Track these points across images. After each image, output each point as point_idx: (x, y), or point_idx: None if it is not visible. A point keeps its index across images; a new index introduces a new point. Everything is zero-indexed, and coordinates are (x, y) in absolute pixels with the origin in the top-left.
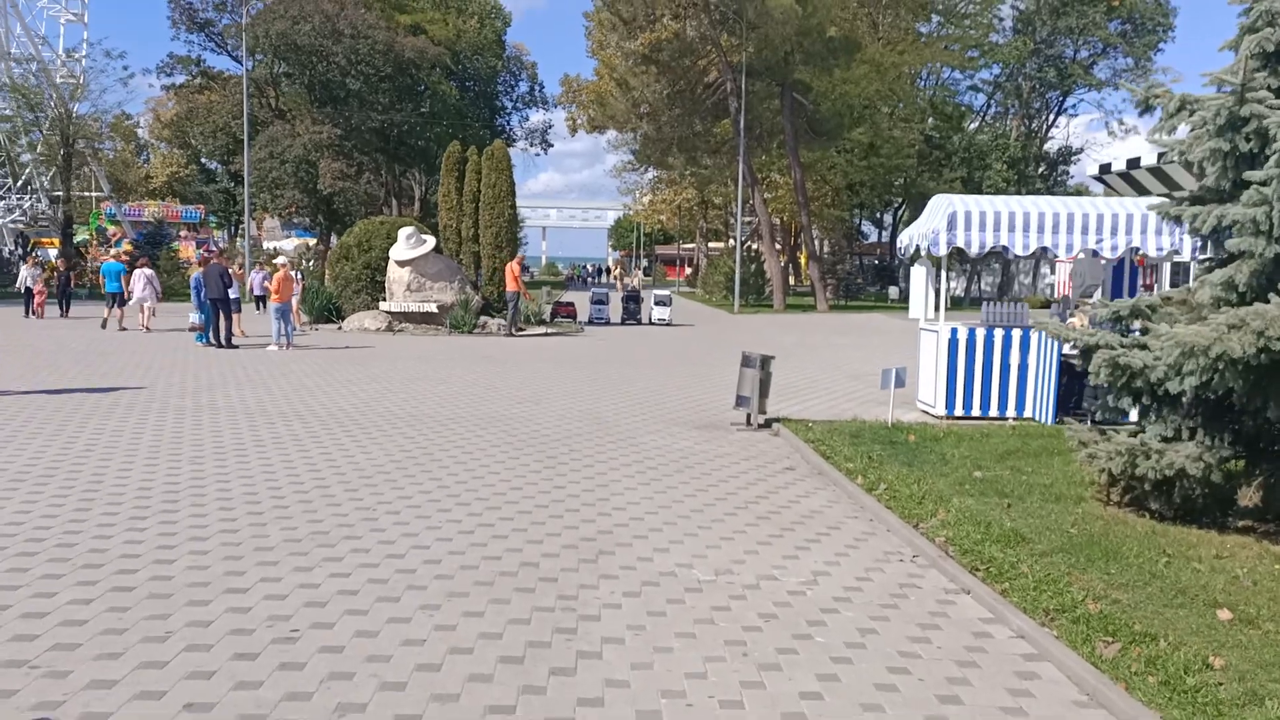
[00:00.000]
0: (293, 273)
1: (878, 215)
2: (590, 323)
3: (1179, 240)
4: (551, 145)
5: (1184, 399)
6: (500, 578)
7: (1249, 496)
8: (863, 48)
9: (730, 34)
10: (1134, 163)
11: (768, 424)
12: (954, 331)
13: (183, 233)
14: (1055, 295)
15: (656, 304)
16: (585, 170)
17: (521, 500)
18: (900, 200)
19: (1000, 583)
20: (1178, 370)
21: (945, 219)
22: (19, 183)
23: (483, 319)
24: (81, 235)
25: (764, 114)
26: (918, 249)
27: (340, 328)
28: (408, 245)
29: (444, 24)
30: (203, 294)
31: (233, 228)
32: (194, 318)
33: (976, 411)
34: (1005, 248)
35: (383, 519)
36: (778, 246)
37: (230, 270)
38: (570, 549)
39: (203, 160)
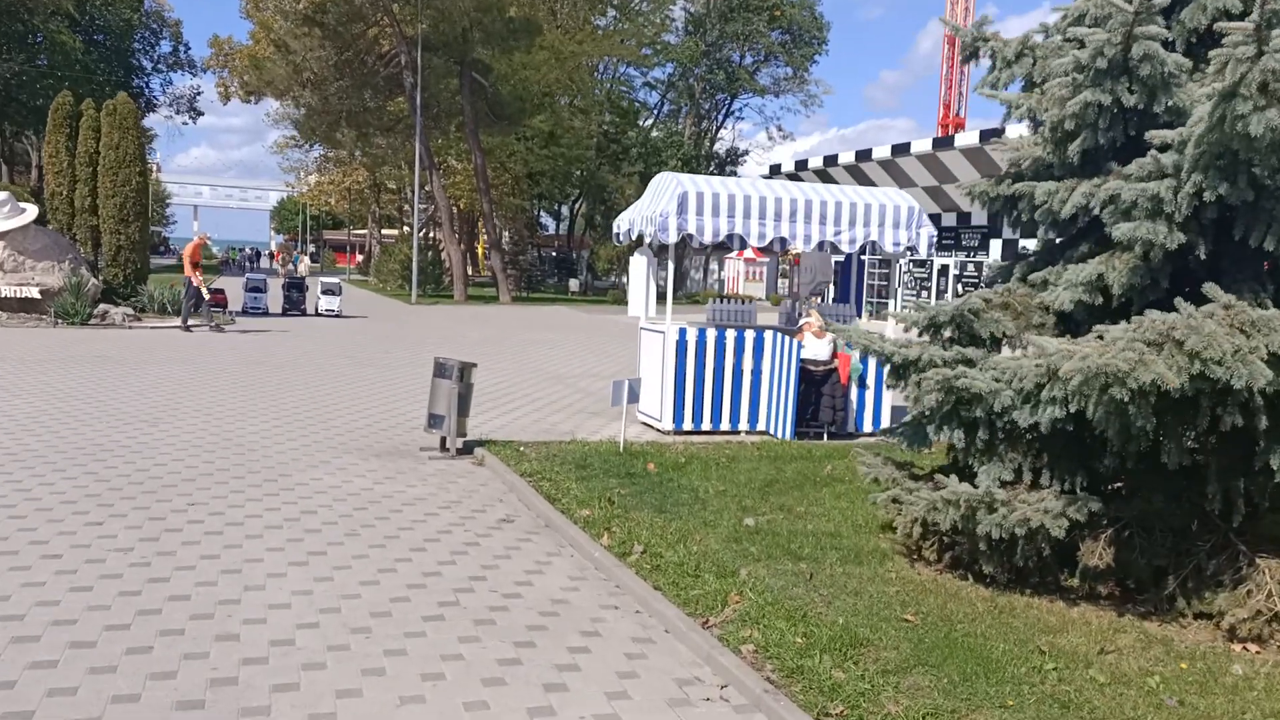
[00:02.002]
0: None
1: (556, 207)
2: (244, 312)
3: (915, 235)
4: (201, 114)
5: (1026, 434)
6: None
7: (1096, 554)
8: (543, 32)
9: (405, 1)
10: (802, 164)
11: (469, 448)
12: (683, 333)
13: None
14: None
15: (324, 293)
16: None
17: (86, 614)
18: (578, 192)
19: None
20: (1030, 398)
21: (675, 200)
22: None
23: (102, 307)
24: None
25: (442, 93)
26: (640, 236)
27: None
28: (1, 215)
29: None
30: None
31: None
32: None
33: (707, 425)
34: (739, 236)
35: None
36: (456, 235)
37: None
38: None
39: None
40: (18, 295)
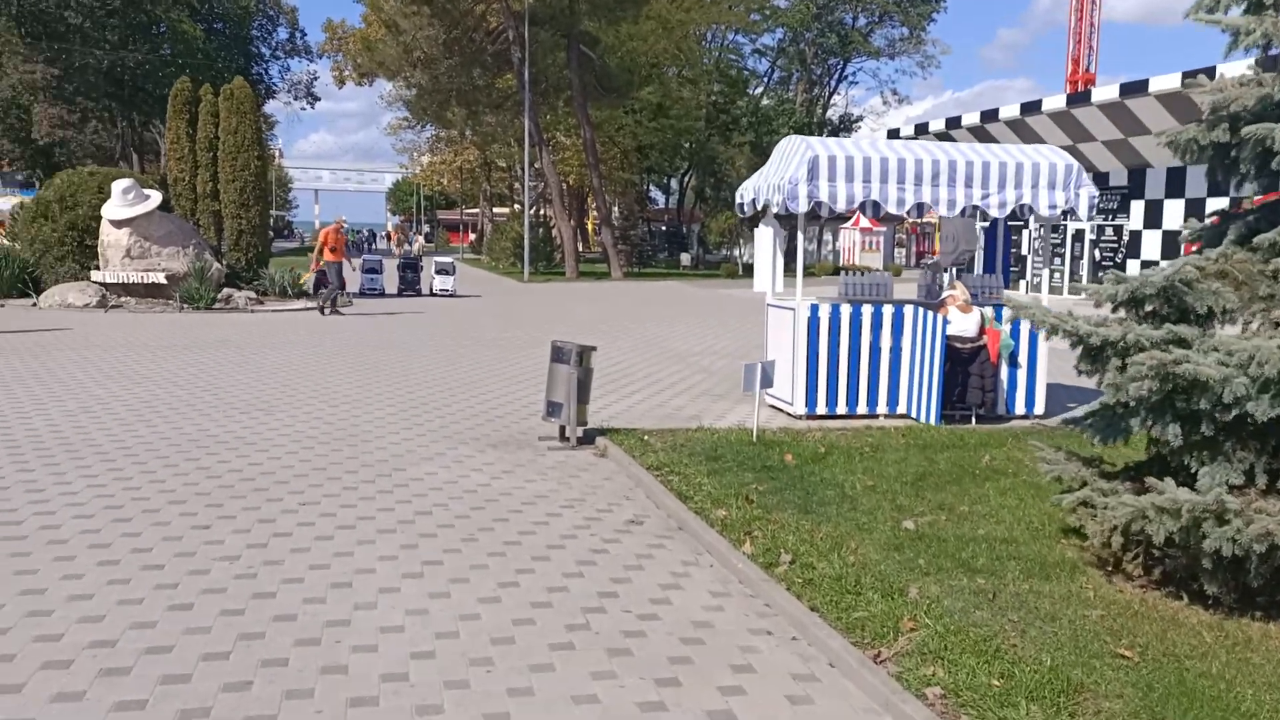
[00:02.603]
0: None
1: (665, 180)
2: (361, 294)
3: (1074, 197)
4: (318, 99)
5: (1260, 430)
6: None
7: None
8: (650, 1)
9: None
10: (921, 128)
11: (589, 437)
12: (814, 309)
13: None
14: (839, 263)
15: (438, 272)
16: (360, 131)
17: (184, 639)
18: (688, 164)
19: None
20: (1272, 387)
21: (805, 166)
22: None
23: (225, 291)
24: None
25: (550, 68)
26: (765, 206)
27: (35, 304)
28: (125, 201)
29: None
30: None
31: None
32: None
33: (843, 408)
34: (875, 203)
35: None
36: (566, 211)
37: None
38: None
39: None
40: (144, 281)
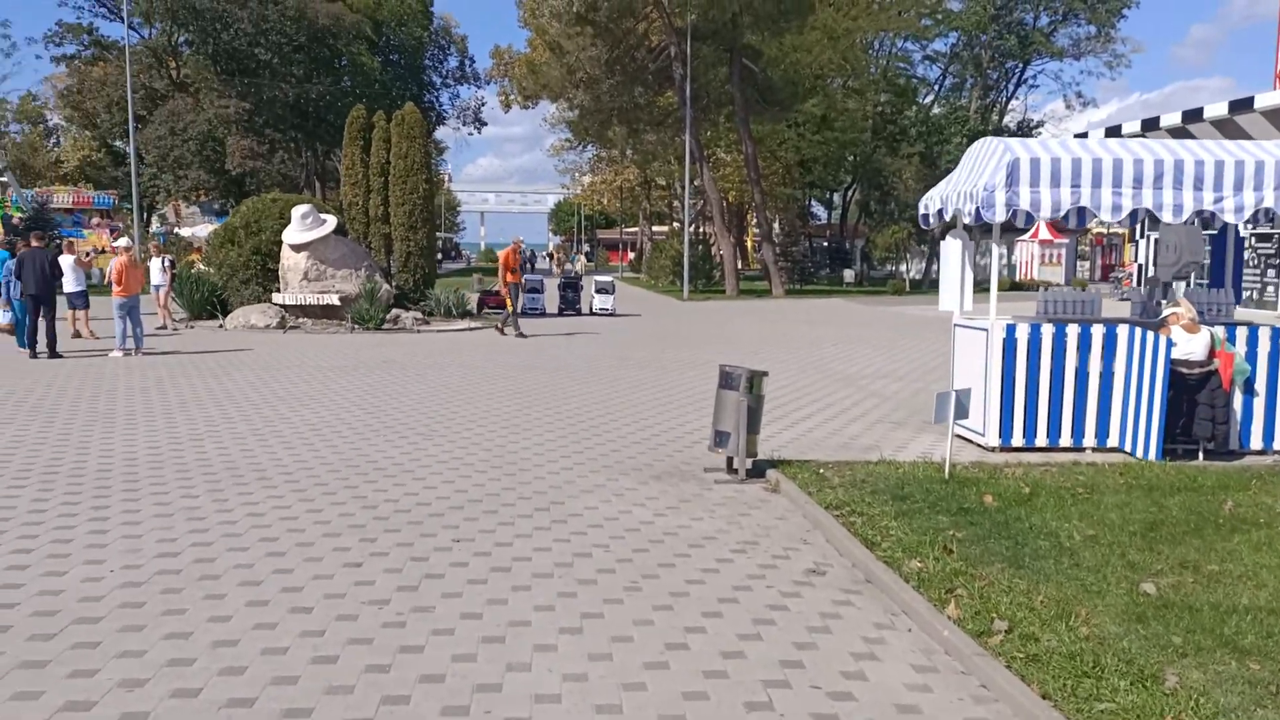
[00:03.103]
0: (160, 260)
1: (827, 195)
2: (523, 314)
3: None
4: (485, 124)
5: None
6: None
7: None
8: (815, 10)
9: None
10: (1113, 130)
11: (759, 470)
12: (1011, 329)
13: (94, 219)
14: (1015, 278)
15: (598, 291)
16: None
17: (325, 700)
18: (851, 178)
19: None
20: None
21: (1004, 169)
22: None
23: (394, 312)
24: None
25: (711, 83)
26: (951, 216)
27: (222, 325)
28: (303, 226)
29: None
30: (12, 288)
31: (144, 213)
32: (1, 317)
33: (1042, 439)
34: (1088, 210)
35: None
36: (726, 227)
37: (74, 258)
38: None
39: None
40: (320, 303)
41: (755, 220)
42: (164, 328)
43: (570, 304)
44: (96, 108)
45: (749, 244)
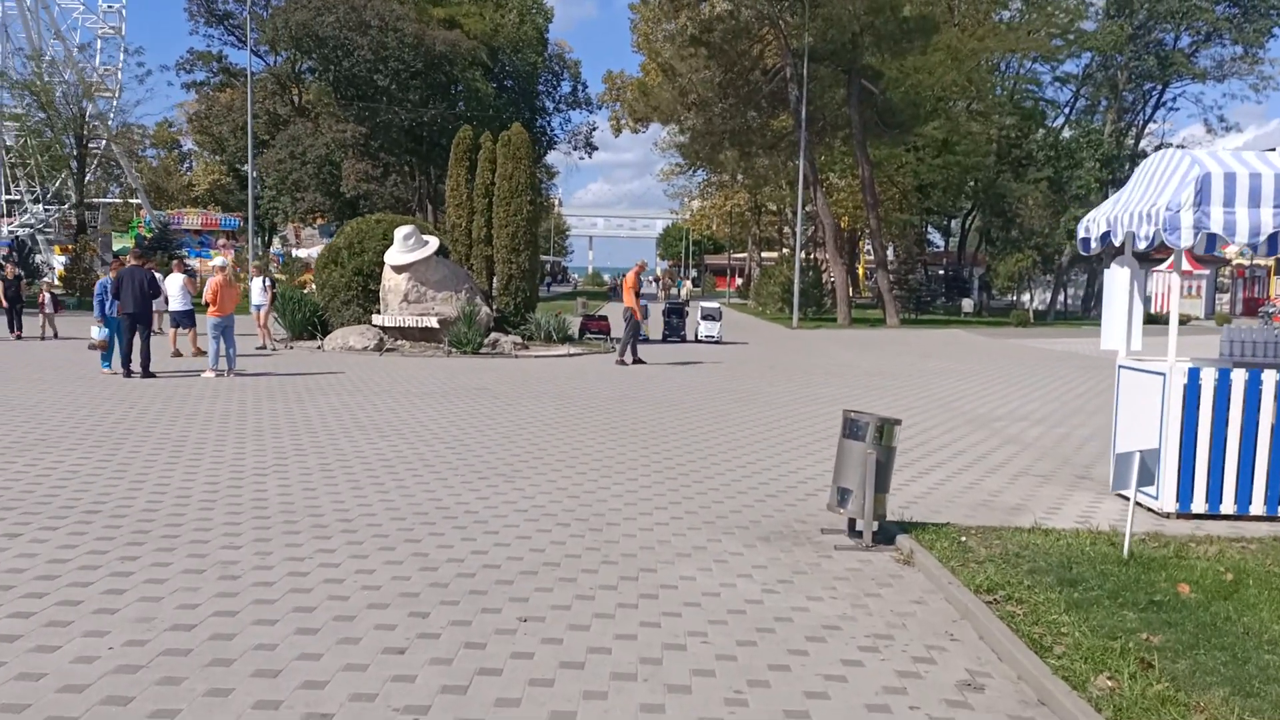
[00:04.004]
0: (260, 280)
1: (945, 222)
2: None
3: None
4: (595, 148)
5: None
6: None
7: None
8: (939, 30)
9: (792, 14)
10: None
11: (888, 534)
12: (1194, 375)
13: (220, 240)
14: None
15: (704, 318)
16: (635, 180)
17: None
18: (971, 204)
19: None
20: None
21: (1191, 187)
22: (43, 189)
23: (493, 336)
24: (121, 244)
25: (828, 105)
26: (1116, 241)
27: (320, 346)
28: (405, 247)
29: (480, 18)
30: (108, 305)
31: (267, 235)
32: (96, 333)
33: (1229, 506)
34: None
35: None
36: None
37: (184, 278)
38: None
39: (240, 167)
40: (419, 325)
41: (869, 246)
42: (263, 348)
43: (675, 330)
44: (224, 132)
45: (861, 271)
